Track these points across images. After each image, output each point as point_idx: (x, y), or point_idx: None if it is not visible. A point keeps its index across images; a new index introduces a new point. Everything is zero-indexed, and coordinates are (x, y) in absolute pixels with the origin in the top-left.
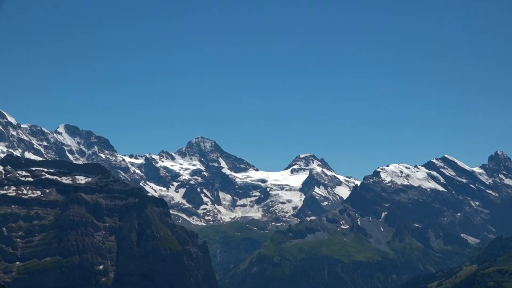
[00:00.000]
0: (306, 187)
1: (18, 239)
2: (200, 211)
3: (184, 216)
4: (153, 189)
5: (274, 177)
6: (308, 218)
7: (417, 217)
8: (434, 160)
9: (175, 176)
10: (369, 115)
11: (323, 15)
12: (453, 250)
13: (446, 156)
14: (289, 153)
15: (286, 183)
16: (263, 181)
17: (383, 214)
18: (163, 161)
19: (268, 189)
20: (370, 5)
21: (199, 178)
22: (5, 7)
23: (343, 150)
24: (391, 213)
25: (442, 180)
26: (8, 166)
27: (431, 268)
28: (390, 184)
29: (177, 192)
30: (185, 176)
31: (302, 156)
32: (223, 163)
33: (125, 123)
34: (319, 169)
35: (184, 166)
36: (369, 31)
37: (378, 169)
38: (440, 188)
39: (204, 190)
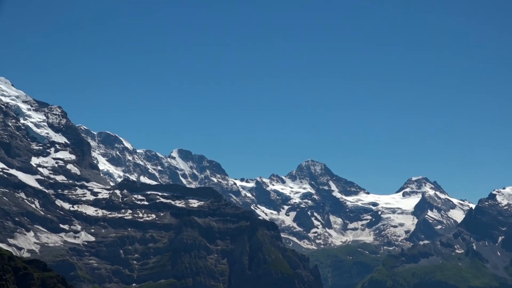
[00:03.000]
0: (419, 210)
1: (134, 261)
2: (311, 235)
3: (295, 239)
4: (264, 212)
5: (385, 200)
6: (421, 242)
7: None
8: None
9: (285, 199)
10: (483, 136)
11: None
12: None
13: None
14: (400, 176)
15: (398, 206)
16: (374, 204)
17: (500, 238)
18: (273, 185)
19: (379, 213)
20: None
21: (309, 202)
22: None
23: (457, 172)
24: (509, 237)
25: None
26: (125, 190)
27: None
28: (507, 207)
29: (288, 215)
30: (296, 199)
31: (414, 179)
32: (333, 186)
33: (236, 147)
34: (431, 192)
35: (294, 190)
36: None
37: (494, 192)
38: None
39: (315, 214)
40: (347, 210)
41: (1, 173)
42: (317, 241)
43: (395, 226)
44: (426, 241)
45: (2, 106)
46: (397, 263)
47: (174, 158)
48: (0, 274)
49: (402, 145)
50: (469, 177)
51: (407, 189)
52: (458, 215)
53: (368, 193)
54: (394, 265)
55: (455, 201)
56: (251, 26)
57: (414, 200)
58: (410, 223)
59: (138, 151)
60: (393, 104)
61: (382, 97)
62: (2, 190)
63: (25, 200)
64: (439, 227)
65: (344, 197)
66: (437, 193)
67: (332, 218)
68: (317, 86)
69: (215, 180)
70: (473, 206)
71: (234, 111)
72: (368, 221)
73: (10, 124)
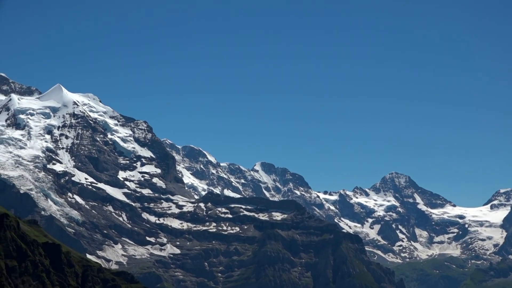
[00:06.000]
0: (508, 223)
1: (219, 274)
2: (395, 248)
3: (379, 252)
4: (347, 225)
5: (472, 213)
6: (510, 256)
7: None
8: None
9: (369, 212)
10: None
11: None
12: None
13: None
14: (488, 188)
15: (486, 219)
16: (461, 217)
17: None
18: (357, 197)
19: (466, 226)
20: None
21: (394, 214)
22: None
23: None
24: None
25: None
26: (209, 203)
27: None
28: None
29: (372, 228)
30: (380, 212)
31: (502, 191)
32: (418, 199)
33: (319, 160)
34: None
35: (378, 202)
36: None
37: None
38: None
39: (400, 227)
40: (433, 223)
41: (90, 186)
42: (402, 255)
43: (483, 240)
44: None
45: (91, 122)
46: (485, 278)
47: (257, 171)
48: (90, 285)
49: (489, 157)
50: None
51: (495, 202)
52: None
53: (454, 205)
54: (483, 279)
55: None
56: (338, 44)
57: (502, 213)
58: (499, 236)
59: (221, 164)
60: (479, 116)
61: (467, 109)
62: (91, 203)
63: (113, 213)
64: None
65: (429, 209)
66: None
67: (417, 231)
68: (400, 102)
69: (298, 193)
70: None
71: (317, 125)
72: (455, 234)
73: (98, 139)
